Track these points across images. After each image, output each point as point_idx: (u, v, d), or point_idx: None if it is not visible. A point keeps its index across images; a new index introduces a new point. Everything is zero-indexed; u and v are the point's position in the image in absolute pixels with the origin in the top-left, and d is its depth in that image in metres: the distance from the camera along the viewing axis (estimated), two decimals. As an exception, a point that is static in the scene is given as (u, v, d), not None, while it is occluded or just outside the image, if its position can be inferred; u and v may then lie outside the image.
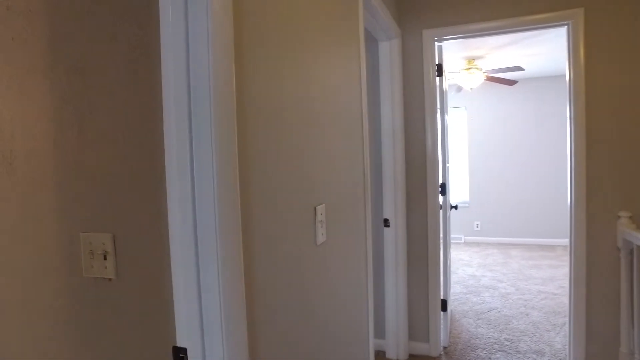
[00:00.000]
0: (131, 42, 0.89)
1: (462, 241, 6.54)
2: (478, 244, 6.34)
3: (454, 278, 4.56)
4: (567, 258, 5.22)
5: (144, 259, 0.91)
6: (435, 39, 2.70)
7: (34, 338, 1.06)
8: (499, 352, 2.77)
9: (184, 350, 0.73)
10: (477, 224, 6.48)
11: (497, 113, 6.31)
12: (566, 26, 2.42)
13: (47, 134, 1.01)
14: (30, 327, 1.07)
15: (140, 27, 0.87)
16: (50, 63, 0.99)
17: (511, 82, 4.80)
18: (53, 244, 1.02)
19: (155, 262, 0.90)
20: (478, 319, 3.36)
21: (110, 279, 0.95)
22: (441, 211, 2.86)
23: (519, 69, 4.34)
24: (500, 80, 4.77)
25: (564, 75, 5.91)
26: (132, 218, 0.91)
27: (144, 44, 0.87)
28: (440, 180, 2.86)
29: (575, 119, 2.37)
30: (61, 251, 1.00)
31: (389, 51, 2.72)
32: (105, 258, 0.94)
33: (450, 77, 5.37)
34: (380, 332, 2.87)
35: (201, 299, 0.71)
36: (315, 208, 1.22)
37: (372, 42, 2.76)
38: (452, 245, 6.25)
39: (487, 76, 4.77)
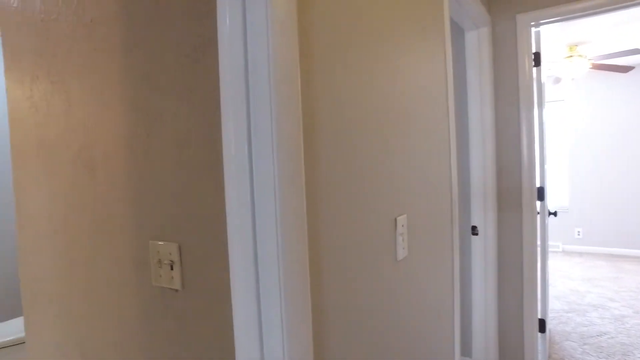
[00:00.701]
0: (194, 41, 0.84)
1: (560, 250, 5.86)
2: (580, 253, 5.63)
3: (551, 291, 4.07)
4: (698, 275, 4.39)
5: (209, 272, 0.86)
6: (532, 23, 2.39)
7: (111, 342, 1.07)
8: (614, 386, 2.36)
9: (243, 382, 0.65)
10: (579, 232, 5.76)
11: (606, 105, 5.55)
12: None
13: (119, 140, 1.01)
14: (107, 334, 1.08)
15: (201, 24, 0.81)
16: (124, 70, 0.99)
17: (625, 69, 4.16)
18: (127, 251, 1.01)
19: (219, 276, 0.84)
20: (584, 344, 2.93)
21: (176, 290, 0.91)
22: (538, 217, 2.53)
23: (638, 51, 3.73)
24: (610, 67, 4.16)
25: (693, 59, 4.99)
26: (197, 228, 0.86)
27: (206, 42, 0.81)
28: (538, 184, 2.53)
29: None
30: (133, 259, 0.99)
31: (477, 41, 2.46)
32: (172, 268, 0.90)
33: (547, 66, 4.82)
34: (467, 351, 2.62)
35: (262, 328, 0.62)
36: (395, 219, 1.08)
37: (457, 31, 2.53)
38: (549, 254, 5.62)
39: (593, 64, 4.19)
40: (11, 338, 1.99)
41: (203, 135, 0.83)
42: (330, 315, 0.85)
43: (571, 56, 4.14)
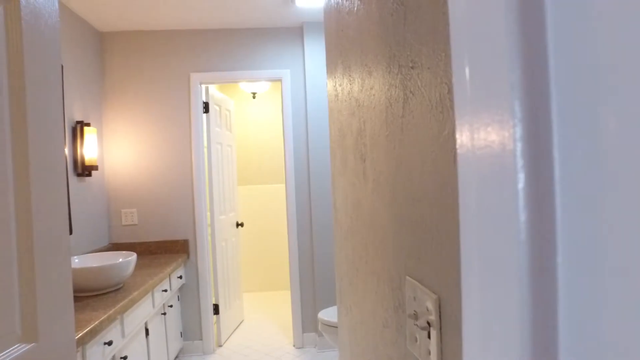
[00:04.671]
0: None
1: None
2: None
3: None
4: None
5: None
6: None
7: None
8: None
9: None
10: None
11: None
12: None
13: (380, 119, 0.69)
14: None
15: None
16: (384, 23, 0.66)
17: None
18: (386, 281, 0.69)
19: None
20: None
21: (436, 377, 0.50)
22: None
23: None
24: None
25: None
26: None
27: None
28: None
29: None
30: (392, 294, 0.66)
31: None
32: (429, 336, 0.50)
33: None
34: None
35: None
36: None
37: None
38: None
39: None
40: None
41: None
42: None
43: None
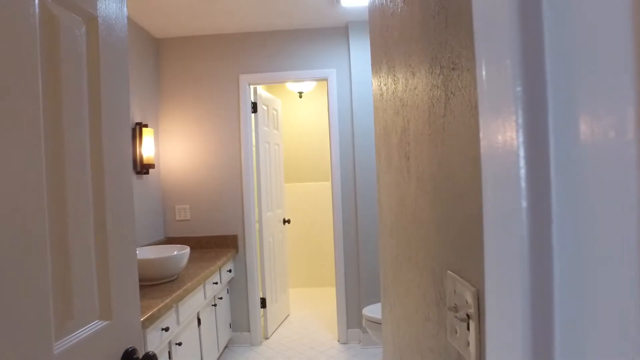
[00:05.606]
0: None
1: None
2: None
3: None
4: None
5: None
6: None
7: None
8: None
9: None
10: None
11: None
12: None
13: (423, 117, 0.71)
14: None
15: None
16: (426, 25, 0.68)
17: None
18: (428, 275, 0.71)
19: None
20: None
21: (476, 368, 0.52)
22: None
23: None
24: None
25: None
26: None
27: None
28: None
29: None
30: (434, 288, 0.68)
31: None
32: (468, 328, 0.52)
33: None
34: None
35: None
36: None
37: None
38: None
39: None
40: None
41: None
42: None
43: None
